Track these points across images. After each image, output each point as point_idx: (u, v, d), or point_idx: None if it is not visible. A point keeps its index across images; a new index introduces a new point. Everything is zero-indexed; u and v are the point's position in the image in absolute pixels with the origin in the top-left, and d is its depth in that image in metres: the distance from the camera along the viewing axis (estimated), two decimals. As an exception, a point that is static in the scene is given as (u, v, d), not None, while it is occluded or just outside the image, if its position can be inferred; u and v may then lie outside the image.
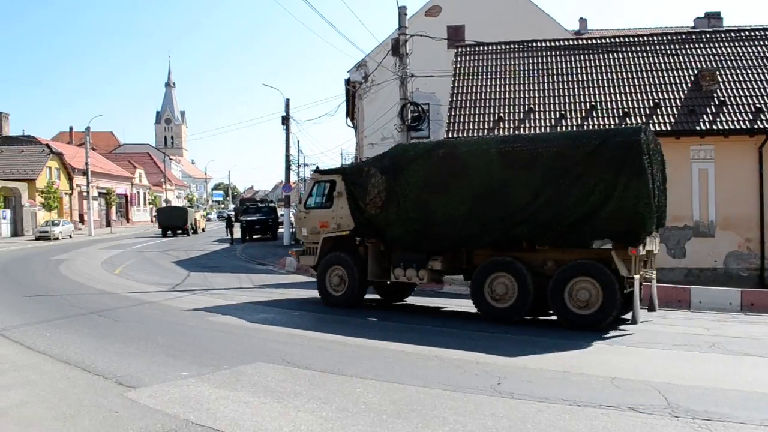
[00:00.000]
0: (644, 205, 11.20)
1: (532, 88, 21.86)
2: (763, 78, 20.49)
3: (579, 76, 21.95)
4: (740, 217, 19.17)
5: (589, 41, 25.07)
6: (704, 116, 19.47)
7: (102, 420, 6.46)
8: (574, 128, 19.74)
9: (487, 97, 21.87)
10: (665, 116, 19.72)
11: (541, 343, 10.61)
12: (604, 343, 10.70)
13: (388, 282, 14.83)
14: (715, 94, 20.06)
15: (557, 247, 12.21)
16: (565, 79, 21.92)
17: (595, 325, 11.59)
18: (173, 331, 11.54)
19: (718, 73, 20.61)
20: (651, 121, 19.55)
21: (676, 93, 20.48)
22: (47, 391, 7.53)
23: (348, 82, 33.18)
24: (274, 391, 7.48)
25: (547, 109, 20.89)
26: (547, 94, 21.47)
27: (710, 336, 11.51)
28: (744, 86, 20.25)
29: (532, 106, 21.08)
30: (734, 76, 20.68)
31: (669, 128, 19.38)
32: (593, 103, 20.55)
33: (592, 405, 6.89)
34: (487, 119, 21.00)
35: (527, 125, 20.38)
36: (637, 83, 21.12)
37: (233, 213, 59.12)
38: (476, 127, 20.77)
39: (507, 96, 21.76)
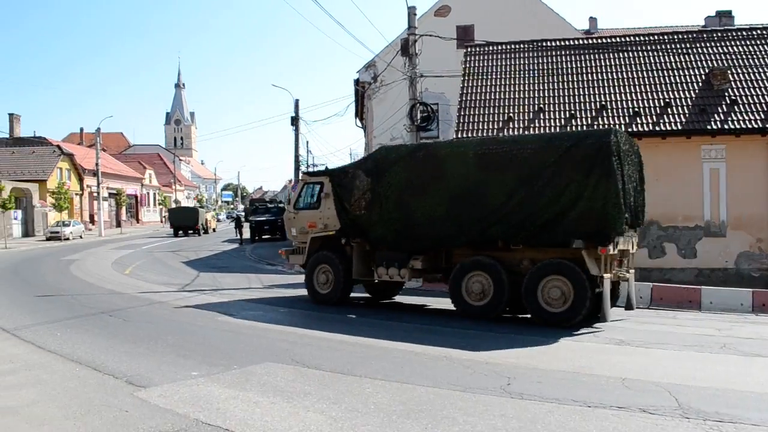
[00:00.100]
0: (613, 206, 11.48)
1: (541, 87, 21.78)
2: (775, 77, 20.32)
3: (589, 75, 21.85)
4: (752, 217, 19.04)
5: (600, 41, 24.98)
6: (715, 115, 19.33)
7: (112, 419, 6.49)
8: (585, 128, 19.67)
9: (497, 96, 21.81)
10: (676, 115, 19.60)
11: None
12: (614, 344, 10.66)
13: (376, 281, 15.16)
14: (726, 94, 19.93)
15: (531, 247, 12.58)
16: (575, 79, 21.82)
17: (566, 323, 11.88)
18: (183, 331, 11.58)
19: (729, 72, 20.46)
20: (662, 121, 19.45)
21: (687, 92, 20.35)
22: (58, 391, 7.58)
23: (357, 82, 33.16)
24: (284, 391, 7.49)
25: (557, 109, 20.81)
26: (557, 94, 21.39)
27: (721, 337, 11.45)
28: (756, 85, 20.09)
29: (542, 105, 21.01)
30: (746, 75, 20.52)
31: (680, 128, 19.26)
32: (603, 103, 20.45)
33: (602, 406, 6.86)
34: (496, 119, 20.94)
35: (537, 125, 20.31)
36: (647, 82, 21.00)
37: (242, 213, 59.33)
38: (486, 127, 20.71)
39: (516, 96, 21.69)
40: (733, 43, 21.94)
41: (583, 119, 20.16)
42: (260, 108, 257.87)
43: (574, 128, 19.76)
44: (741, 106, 19.41)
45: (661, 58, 21.77)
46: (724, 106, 19.55)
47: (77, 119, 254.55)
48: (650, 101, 20.25)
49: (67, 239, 43.02)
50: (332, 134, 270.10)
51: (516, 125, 20.48)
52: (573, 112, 20.42)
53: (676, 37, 22.99)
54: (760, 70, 20.65)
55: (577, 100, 20.93)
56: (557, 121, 20.36)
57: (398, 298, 16.60)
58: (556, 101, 21.11)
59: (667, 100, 20.10)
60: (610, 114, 20.07)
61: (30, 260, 28.02)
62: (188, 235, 49.53)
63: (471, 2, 30.66)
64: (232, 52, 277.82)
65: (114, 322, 12.49)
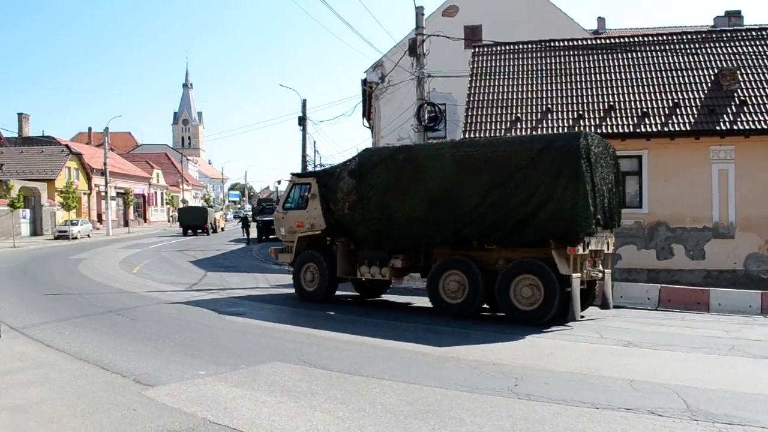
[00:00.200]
0: (581, 207, 11.80)
1: (549, 88, 21.71)
2: (784, 78, 20.20)
3: (597, 75, 21.77)
4: (761, 218, 18.92)
5: (608, 41, 24.85)
6: (724, 116, 19.22)
7: (120, 418, 6.51)
8: (593, 128, 19.59)
9: (505, 97, 21.75)
10: (685, 116, 19.50)
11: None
12: (622, 346, 10.63)
13: (363, 279, 15.44)
14: (735, 94, 19.81)
15: (504, 247, 12.98)
16: (583, 79, 21.74)
17: (537, 321, 12.22)
18: (190, 330, 11.61)
19: (738, 72, 20.34)
20: (670, 121, 19.35)
21: (695, 93, 20.25)
22: (66, 389, 7.61)
23: (365, 82, 33.17)
24: (291, 390, 7.49)
25: (564, 110, 20.74)
26: (564, 94, 21.32)
27: (730, 339, 11.40)
28: (766, 86, 19.94)
29: (549, 106, 20.94)
30: (755, 75, 20.39)
31: (688, 128, 19.15)
32: (611, 103, 20.38)
33: (610, 408, 6.83)
34: (504, 119, 20.89)
35: (545, 125, 20.25)
36: (656, 83, 20.90)
37: (249, 213, 59.53)
38: (493, 127, 20.66)
39: (524, 96, 21.63)
40: (742, 43, 21.82)
41: (591, 119, 20.10)
42: (268, 108, 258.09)
43: (582, 129, 19.68)
44: (750, 106, 19.29)
45: (670, 58, 21.67)
46: (733, 106, 19.44)
47: (85, 118, 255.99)
48: (659, 102, 20.16)
49: (75, 238, 43.20)
50: (339, 134, 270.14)
51: (524, 125, 20.43)
52: (581, 112, 20.36)
53: (684, 37, 22.88)
54: (770, 70, 20.51)
55: (585, 101, 20.85)
56: (565, 121, 20.29)
57: (398, 298, 16.66)
58: (564, 101, 21.04)
59: (676, 100, 20.00)
60: (618, 114, 19.99)
61: (38, 259, 28.14)
62: (197, 234, 50.15)
63: (479, 2, 30.63)
64: (239, 52, 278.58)
65: (122, 321, 12.54)
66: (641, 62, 21.79)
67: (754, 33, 22.49)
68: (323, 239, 15.79)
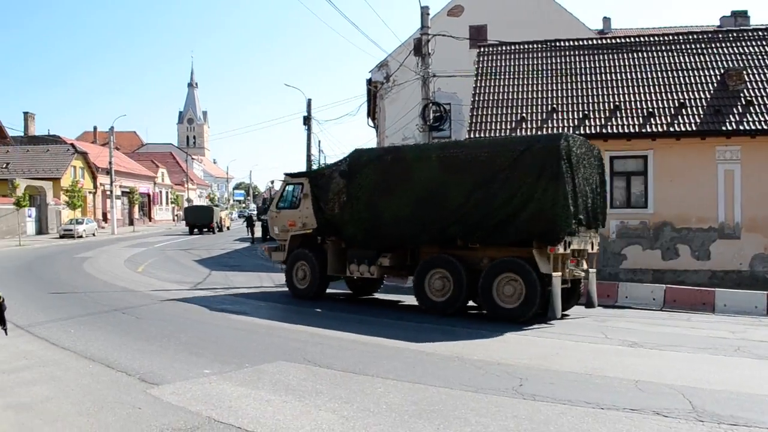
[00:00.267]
0: (561, 207, 12.05)
1: (555, 88, 21.67)
2: (791, 78, 20.12)
3: (602, 75, 21.72)
4: (766, 219, 18.82)
5: (613, 41, 24.78)
6: (730, 116, 19.16)
7: (126, 416, 6.52)
8: (598, 129, 19.60)
9: (510, 97, 21.72)
10: (690, 116, 19.44)
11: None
12: (627, 346, 10.60)
13: (354, 277, 15.75)
14: (741, 94, 19.74)
15: (487, 246, 13.28)
16: (589, 79, 21.70)
17: (519, 318, 12.46)
18: (195, 329, 11.63)
19: (744, 72, 20.27)
20: (676, 122, 19.29)
21: (701, 93, 20.19)
22: (72, 387, 7.62)
23: (369, 81, 33.17)
24: (296, 389, 7.50)
25: (570, 110, 20.70)
26: (570, 94, 21.28)
27: (735, 340, 11.36)
28: (771, 86, 19.89)
29: (554, 106, 20.90)
30: (762, 75, 20.31)
31: (694, 128, 19.10)
32: (617, 103, 20.33)
33: (615, 408, 6.82)
34: (509, 119, 20.86)
35: (550, 125, 20.22)
36: (661, 83, 20.84)
37: (254, 212, 59.69)
38: (498, 127, 20.64)
39: (529, 96, 21.59)
40: (748, 43, 21.75)
41: (597, 120, 20.05)
42: (272, 107, 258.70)
43: (587, 129, 19.68)
44: (756, 107, 19.22)
45: (676, 58, 21.61)
46: (739, 107, 19.38)
47: (91, 117, 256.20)
48: (664, 102, 20.10)
49: (80, 237, 43.33)
50: (344, 134, 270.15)
51: (529, 125, 20.40)
52: (586, 112, 20.32)
53: (690, 37, 22.81)
54: (776, 70, 20.45)
55: (590, 101, 20.81)
56: (570, 121, 20.25)
57: (397, 297, 16.70)
58: (570, 101, 21.01)
59: (682, 100, 19.94)
60: (623, 114, 19.93)
61: (44, 257, 28.22)
62: (203, 233, 50.85)
63: (484, 2, 30.59)
64: (245, 51, 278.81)
65: (127, 319, 12.57)
66: (647, 62, 21.74)
67: (760, 33, 22.41)
68: (314, 238, 16.18)
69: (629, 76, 21.36)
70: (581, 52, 22.92)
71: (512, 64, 23.06)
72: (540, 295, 12.38)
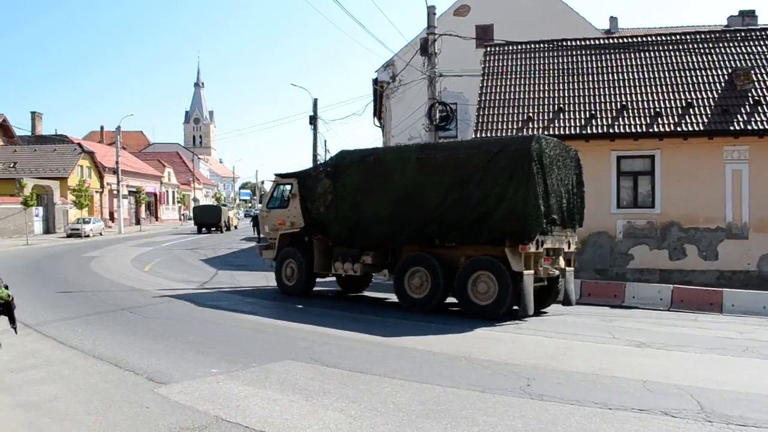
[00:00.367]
0: (532, 207, 12.41)
1: (561, 87, 21.63)
2: (799, 77, 20.01)
3: (609, 75, 21.66)
4: (775, 219, 18.77)
5: (620, 40, 24.72)
6: (738, 116, 19.08)
7: (133, 415, 6.53)
8: (605, 128, 19.56)
9: (516, 96, 21.68)
10: (698, 116, 19.37)
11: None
12: (634, 346, 10.57)
13: (343, 275, 16.34)
14: (749, 94, 19.66)
15: (463, 244, 13.63)
16: (596, 79, 21.64)
17: (492, 315, 12.80)
18: (202, 328, 11.65)
19: (752, 72, 20.19)
20: (683, 121, 19.23)
21: (709, 92, 20.11)
22: (80, 386, 7.65)
23: (376, 81, 33.18)
24: (303, 389, 7.50)
25: (576, 109, 20.65)
26: (577, 94, 21.23)
27: (743, 340, 11.32)
28: (780, 86, 19.79)
29: (561, 105, 20.85)
30: (770, 75, 20.23)
31: (702, 128, 19.03)
32: (624, 103, 20.27)
33: (623, 408, 6.80)
34: (515, 119, 20.82)
35: (556, 125, 20.18)
36: (669, 83, 20.77)
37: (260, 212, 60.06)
38: (505, 126, 20.60)
39: (536, 96, 21.55)
40: (756, 42, 21.65)
41: (604, 119, 20.00)
42: (279, 107, 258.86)
43: (594, 129, 19.65)
44: (764, 106, 19.13)
45: (683, 58, 21.54)
46: (747, 106, 19.30)
47: (98, 117, 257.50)
48: (672, 101, 20.04)
49: (87, 236, 43.44)
50: (350, 133, 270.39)
51: (535, 125, 20.35)
52: (593, 112, 20.27)
53: (698, 36, 22.72)
54: (785, 70, 20.34)
55: (597, 100, 20.75)
56: (577, 121, 20.21)
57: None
58: (576, 101, 20.96)
59: (689, 100, 19.87)
60: (630, 114, 19.88)
61: (51, 257, 28.32)
62: (211, 232, 51.63)
63: (490, 2, 30.58)
64: (251, 51, 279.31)
65: (134, 318, 12.60)
66: (654, 62, 21.67)
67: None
68: (302, 237, 16.58)
69: (636, 76, 21.30)
70: (588, 52, 22.86)
71: (519, 63, 23.01)
72: (512, 292, 12.71)
